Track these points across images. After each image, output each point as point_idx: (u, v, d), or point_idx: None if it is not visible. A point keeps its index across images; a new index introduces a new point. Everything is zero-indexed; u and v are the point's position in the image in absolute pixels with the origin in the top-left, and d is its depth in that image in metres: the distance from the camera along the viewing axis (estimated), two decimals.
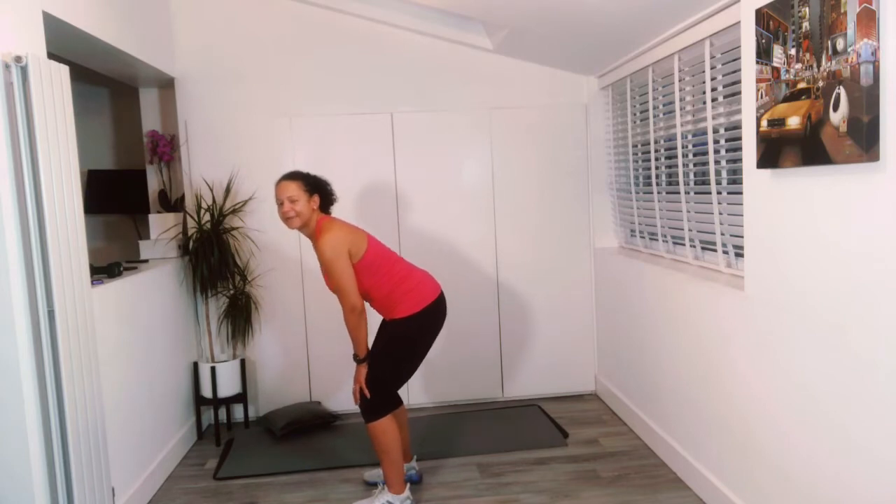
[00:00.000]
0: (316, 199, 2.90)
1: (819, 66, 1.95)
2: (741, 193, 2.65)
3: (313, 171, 3.01)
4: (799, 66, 2.05)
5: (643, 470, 3.28)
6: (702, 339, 2.90)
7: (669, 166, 3.46)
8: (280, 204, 2.86)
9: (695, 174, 3.18)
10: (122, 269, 3.27)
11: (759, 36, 2.27)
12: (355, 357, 2.88)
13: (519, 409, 4.19)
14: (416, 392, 4.30)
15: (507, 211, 4.29)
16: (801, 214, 2.16)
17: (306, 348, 4.22)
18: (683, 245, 3.37)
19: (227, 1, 4.08)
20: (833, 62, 1.89)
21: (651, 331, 3.45)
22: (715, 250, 3.02)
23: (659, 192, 3.53)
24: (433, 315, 2.94)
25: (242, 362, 4.04)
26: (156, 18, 3.81)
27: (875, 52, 1.74)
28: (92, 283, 2.66)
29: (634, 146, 3.86)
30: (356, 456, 3.55)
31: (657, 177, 3.59)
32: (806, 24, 2.00)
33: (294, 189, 2.85)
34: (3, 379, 2.19)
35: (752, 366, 2.50)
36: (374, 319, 3.24)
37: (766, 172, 2.32)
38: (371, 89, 4.18)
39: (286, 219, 2.86)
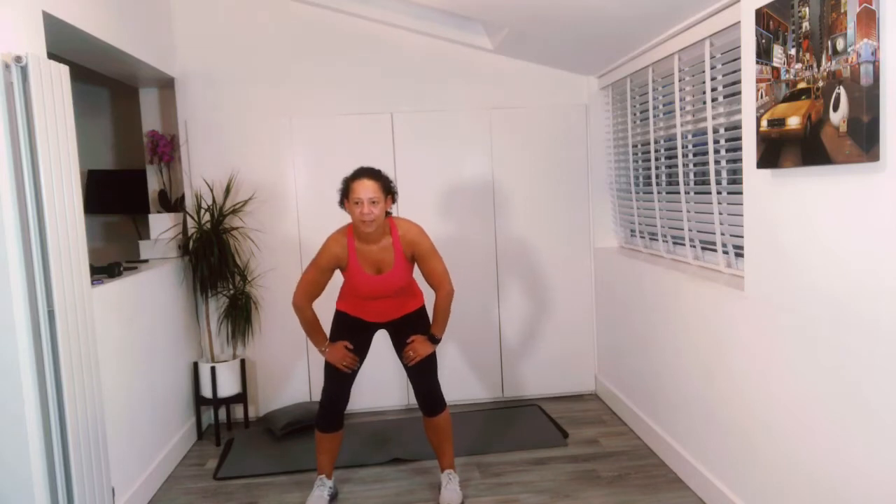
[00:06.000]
0: (389, 201, 2.81)
1: (819, 66, 1.95)
2: (741, 193, 2.65)
3: (377, 167, 2.87)
4: (799, 66, 2.05)
5: (643, 470, 3.28)
6: (702, 338, 2.90)
7: (669, 166, 3.46)
8: (357, 203, 2.70)
9: (695, 174, 3.18)
10: (122, 269, 3.27)
11: (759, 36, 2.27)
12: (437, 339, 2.94)
13: (519, 409, 4.19)
14: None
15: (508, 211, 4.29)
16: (800, 214, 2.16)
17: (306, 348, 4.22)
18: (683, 245, 3.37)
19: (227, 1, 4.08)
20: (833, 62, 1.89)
21: (651, 331, 3.45)
22: (715, 250, 3.02)
23: (659, 192, 3.53)
24: None
25: (242, 362, 4.04)
26: (156, 18, 3.80)
27: (875, 52, 1.74)
28: (92, 283, 2.65)
29: (634, 146, 3.86)
30: (356, 456, 3.55)
31: (657, 177, 3.59)
32: (806, 24, 2.00)
33: (376, 190, 2.70)
34: (3, 379, 2.19)
35: (752, 366, 2.50)
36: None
37: (767, 172, 2.32)
38: (371, 89, 4.18)
39: (363, 221, 2.70)
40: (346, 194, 2.79)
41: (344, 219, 2.98)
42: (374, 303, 2.93)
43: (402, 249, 2.84)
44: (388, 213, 2.85)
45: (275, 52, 4.12)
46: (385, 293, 2.89)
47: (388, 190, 2.80)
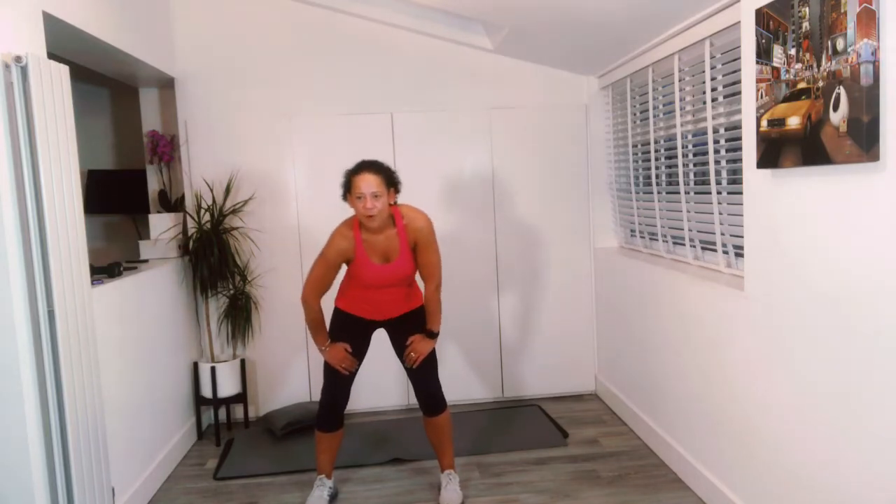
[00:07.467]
0: (392, 193, 2.78)
1: (819, 66, 1.95)
2: (741, 193, 2.65)
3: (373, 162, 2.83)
4: (799, 66, 2.05)
5: (643, 470, 3.28)
6: (702, 339, 2.90)
7: (669, 166, 3.46)
8: (360, 198, 2.69)
9: (695, 174, 3.18)
10: (122, 269, 3.27)
11: (759, 36, 2.27)
12: (434, 333, 2.94)
13: (519, 409, 4.19)
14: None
15: (507, 211, 4.29)
16: (800, 214, 2.16)
17: (306, 348, 4.22)
18: (683, 245, 3.37)
19: (227, 1, 4.08)
20: (833, 62, 1.89)
21: (651, 331, 3.45)
22: (715, 250, 3.02)
23: (659, 193, 3.53)
24: None
25: (242, 362, 4.04)
26: (156, 18, 3.81)
27: (875, 52, 1.74)
28: (92, 283, 2.65)
29: (634, 146, 3.86)
30: (356, 456, 3.55)
31: (657, 177, 3.59)
32: (806, 24, 2.00)
33: (378, 184, 2.69)
34: (3, 379, 2.19)
35: (752, 366, 2.50)
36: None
37: (767, 172, 2.32)
38: (371, 89, 4.18)
39: (367, 216, 2.70)
40: (348, 188, 2.77)
41: (344, 212, 2.97)
42: (380, 293, 2.91)
43: (407, 238, 2.84)
44: (393, 203, 2.84)
45: (275, 52, 4.12)
46: (392, 282, 2.87)
47: (391, 182, 2.78)
